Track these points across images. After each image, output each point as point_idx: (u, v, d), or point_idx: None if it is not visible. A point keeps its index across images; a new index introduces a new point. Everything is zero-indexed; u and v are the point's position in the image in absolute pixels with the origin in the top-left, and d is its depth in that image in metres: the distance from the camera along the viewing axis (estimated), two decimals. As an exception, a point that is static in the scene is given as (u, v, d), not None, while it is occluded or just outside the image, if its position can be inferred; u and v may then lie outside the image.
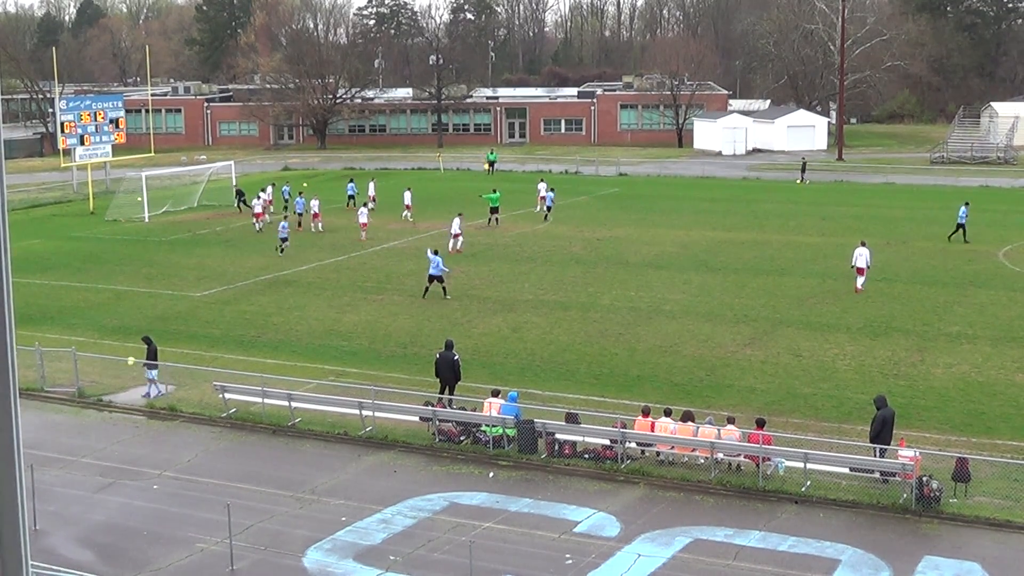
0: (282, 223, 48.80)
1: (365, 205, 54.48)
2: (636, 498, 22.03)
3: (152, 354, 28.56)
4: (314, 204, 54.10)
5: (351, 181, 65.06)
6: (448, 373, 26.80)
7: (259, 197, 56.15)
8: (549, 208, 56.96)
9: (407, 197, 57.94)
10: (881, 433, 22.40)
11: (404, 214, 57.30)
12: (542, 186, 60.06)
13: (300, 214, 54.87)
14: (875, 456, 22.10)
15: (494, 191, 56.32)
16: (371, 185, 63.55)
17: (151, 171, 65.41)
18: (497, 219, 54.50)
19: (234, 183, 65.21)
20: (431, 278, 38.32)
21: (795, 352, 31.38)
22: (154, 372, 28.51)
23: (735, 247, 48.04)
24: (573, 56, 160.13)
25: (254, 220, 54.79)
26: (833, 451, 22.77)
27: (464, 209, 51.80)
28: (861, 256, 39.16)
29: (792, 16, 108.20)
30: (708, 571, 18.77)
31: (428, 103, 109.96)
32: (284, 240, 47.82)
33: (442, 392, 26.87)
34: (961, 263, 44.06)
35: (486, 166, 79.98)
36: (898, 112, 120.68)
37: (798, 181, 72.70)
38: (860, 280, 38.96)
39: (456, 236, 47.14)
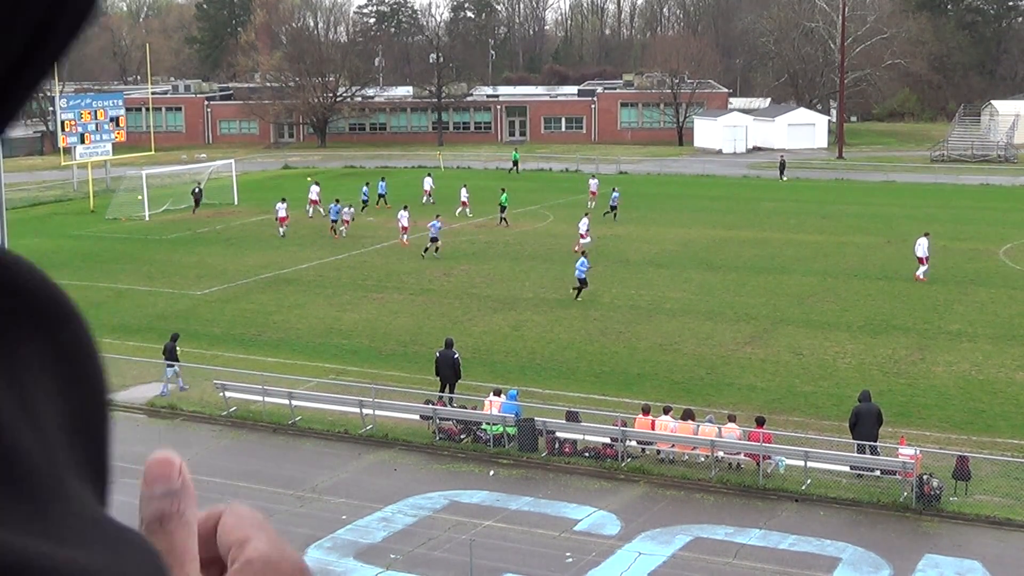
0: (433, 223, 45.68)
1: (405, 208, 50.03)
2: (636, 496, 22.03)
3: (170, 352, 28.66)
4: (346, 212, 51.92)
5: (382, 180, 63.87)
6: (448, 371, 26.80)
7: (284, 200, 53.48)
8: (614, 207, 55.05)
9: (463, 193, 57.42)
10: (856, 427, 22.46)
11: (459, 210, 56.37)
12: (593, 182, 60.34)
13: (334, 221, 51.80)
14: (855, 451, 22.19)
15: (503, 191, 55.48)
16: (427, 181, 62.97)
17: (151, 169, 65.38)
18: (505, 219, 53.68)
19: (200, 184, 63.32)
20: (581, 281, 37.88)
21: (795, 350, 31.37)
22: (171, 370, 28.61)
23: (735, 245, 48.02)
24: (573, 54, 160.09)
25: (278, 224, 51.99)
26: (833, 449, 22.77)
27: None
28: (920, 246, 40.26)
29: (792, 14, 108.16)
30: (708, 569, 18.76)
31: (428, 101, 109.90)
32: (435, 240, 45.26)
33: (442, 391, 26.86)
34: (962, 261, 44.03)
35: (518, 165, 78.68)
36: (898, 110, 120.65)
37: (784, 179, 72.74)
38: (921, 269, 40.01)
39: (583, 236, 46.17)
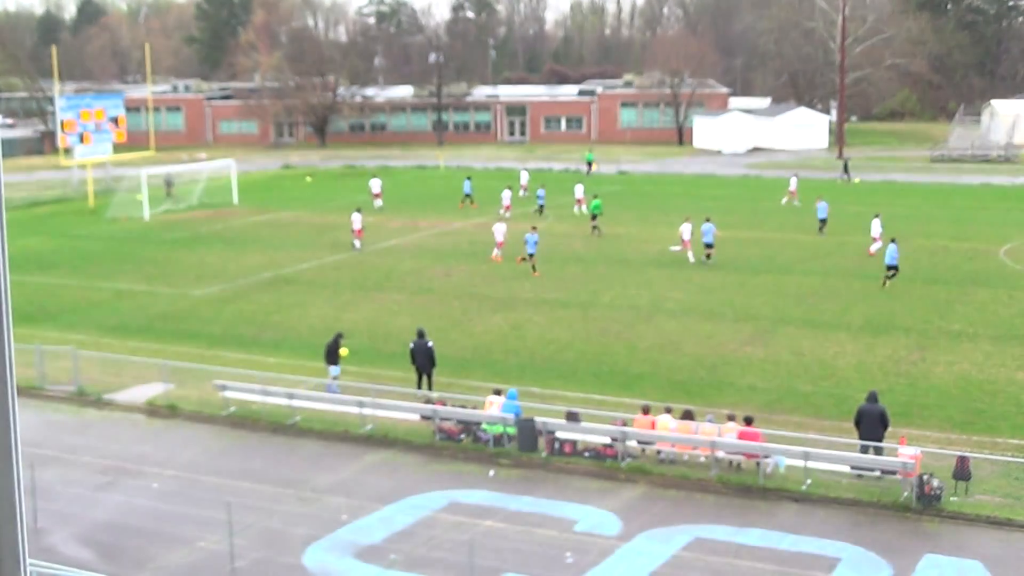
0: (529, 235, 42.85)
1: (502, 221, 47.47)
2: (636, 496, 22.01)
3: (330, 352, 27.85)
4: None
5: (468, 179, 62.76)
6: (425, 360, 27.41)
7: (359, 211, 48.98)
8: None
9: (579, 191, 58.15)
10: (859, 426, 22.58)
11: (576, 208, 57.33)
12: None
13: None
14: (859, 451, 22.21)
15: (595, 197, 53.93)
16: (523, 173, 65.81)
17: (151, 169, 65.31)
18: (596, 227, 51.14)
19: (169, 177, 64.90)
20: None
21: (796, 350, 31.35)
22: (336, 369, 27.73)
23: (736, 245, 47.98)
24: (573, 54, 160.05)
25: (354, 238, 48.16)
26: (833, 449, 22.75)
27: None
28: None
29: (792, 14, 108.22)
30: (708, 569, 18.74)
31: (428, 101, 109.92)
32: (532, 256, 42.41)
33: (419, 380, 27.42)
34: (962, 261, 44.04)
35: (593, 166, 77.44)
36: (899, 110, 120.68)
37: (855, 180, 71.54)
38: None
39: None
